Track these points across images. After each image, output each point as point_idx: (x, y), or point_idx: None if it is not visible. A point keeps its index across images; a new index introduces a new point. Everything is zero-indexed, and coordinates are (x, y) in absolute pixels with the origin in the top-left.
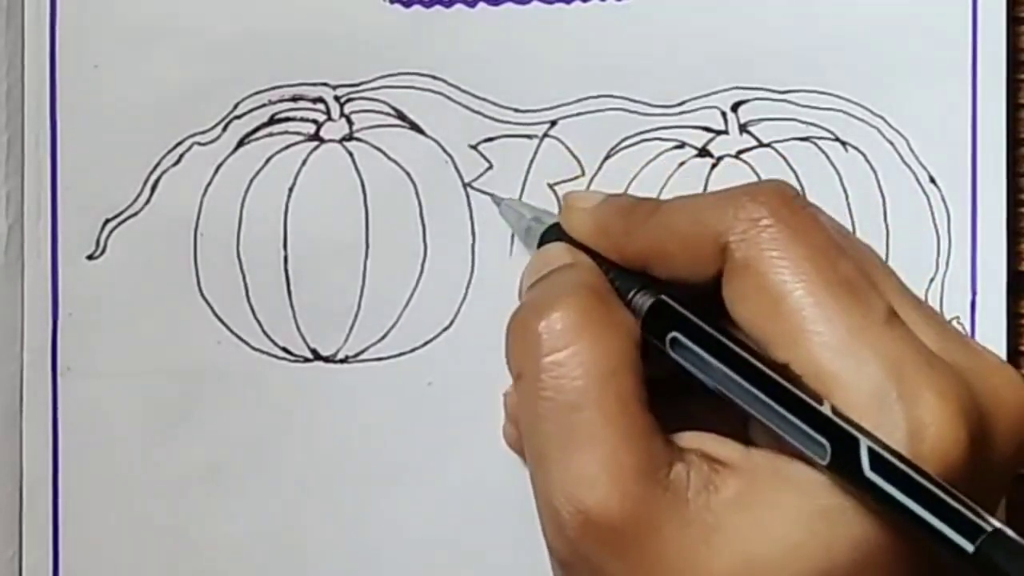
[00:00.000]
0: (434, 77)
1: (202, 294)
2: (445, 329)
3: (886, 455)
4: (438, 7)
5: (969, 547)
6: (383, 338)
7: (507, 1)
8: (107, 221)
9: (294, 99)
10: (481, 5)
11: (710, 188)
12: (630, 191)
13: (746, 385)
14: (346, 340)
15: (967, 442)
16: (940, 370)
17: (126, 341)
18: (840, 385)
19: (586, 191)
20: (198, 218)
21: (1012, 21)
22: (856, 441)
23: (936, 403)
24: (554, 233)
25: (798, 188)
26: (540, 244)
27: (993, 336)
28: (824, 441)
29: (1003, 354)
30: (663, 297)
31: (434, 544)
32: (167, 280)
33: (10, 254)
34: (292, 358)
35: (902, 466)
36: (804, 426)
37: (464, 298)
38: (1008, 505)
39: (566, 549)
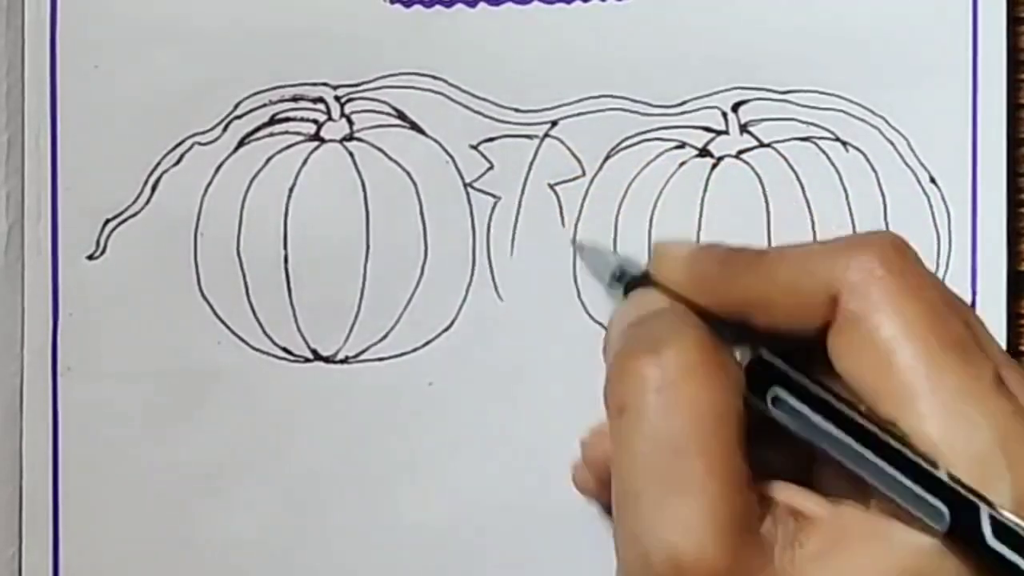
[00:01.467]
0: (434, 77)
1: (202, 294)
2: (445, 329)
3: (1010, 523)
4: (439, 7)
5: None
6: (383, 338)
7: (507, 1)
8: (107, 221)
9: (294, 99)
10: (481, 5)
11: (710, 188)
12: (630, 191)
13: (856, 446)
14: (346, 340)
15: None
16: None
17: (126, 341)
18: (948, 448)
19: (676, 241)
20: (198, 218)
21: (1012, 21)
22: (976, 508)
23: None
24: (640, 282)
25: (801, 192)
26: (626, 291)
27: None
28: (942, 506)
29: None
30: (763, 352)
31: (434, 544)
32: (167, 280)
33: (10, 254)
34: (292, 358)
35: None
36: (921, 491)
37: (464, 298)
38: None
39: None
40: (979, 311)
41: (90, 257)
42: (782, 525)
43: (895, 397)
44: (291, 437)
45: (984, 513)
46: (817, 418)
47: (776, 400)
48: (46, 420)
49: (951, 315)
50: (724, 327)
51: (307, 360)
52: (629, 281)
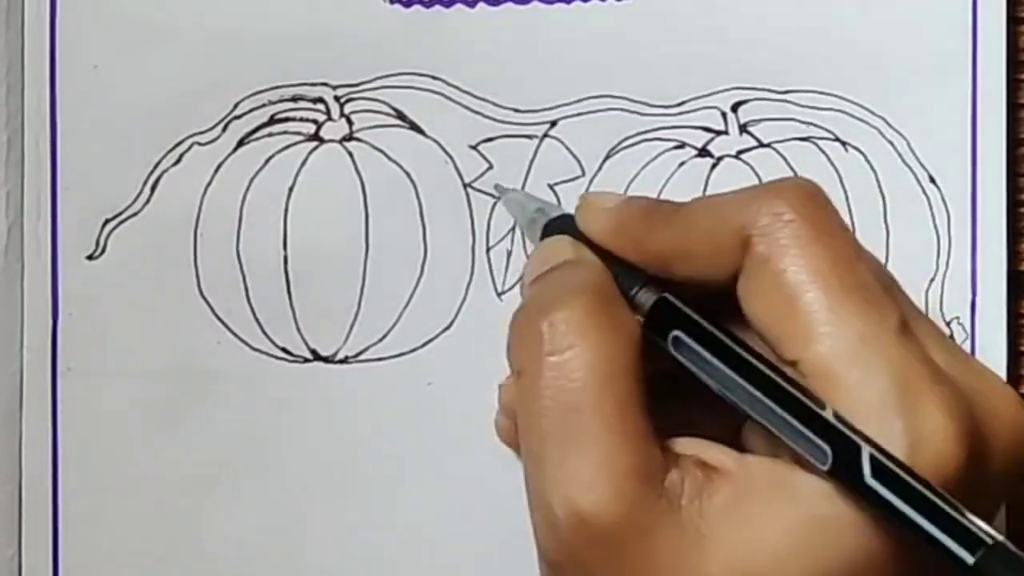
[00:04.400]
0: (434, 77)
1: (202, 294)
2: (445, 329)
3: (889, 463)
4: (438, 7)
5: (969, 559)
6: (383, 338)
7: (507, 1)
8: (107, 221)
9: (294, 99)
10: (481, 5)
11: (710, 188)
12: (630, 191)
13: (747, 386)
14: (346, 340)
15: (964, 460)
16: (945, 386)
17: (126, 341)
18: (845, 390)
19: (604, 192)
20: (198, 218)
21: (1012, 21)
22: (858, 448)
23: (939, 419)
24: (558, 226)
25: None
26: (543, 236)
27: (993, 336)
28: (825, 446)
29: (1003, 354)
30: (667, 295)
31: (434, 543)
32: (167, 280)
33: (10, 254)
34: (292, 358)
35: (904, 475)
36: (805, 430)
37: (464, 298)
38: (1008, 507)
39: (557, 549)
40: (979, 311)
41: (90, 257)
42: (689, 477)
43: (797, 339)
44: (291, 437)
45: (864, 452)
46: (712, 358)
47: (678, 342)
48: (46, 420)
49: (858, 260)
50: (638, 274)
51: (307, 360)
52: (546, 224)
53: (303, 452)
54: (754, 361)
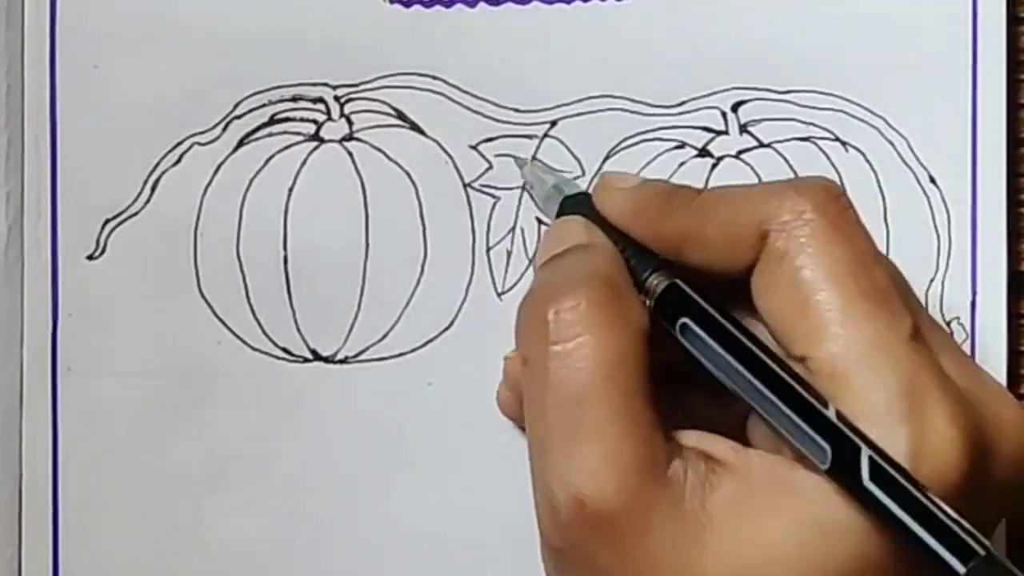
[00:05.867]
0: (434, 77)
1: (202, 294)
2: (445, 329)
3: (887, 467)
4: (438, 7)
5: (961, 569)
6: (383, 338)
7: (507, 1)
8: (107, 221)
9: (294, 99)
10: (481, 5)
11: (710, 188)
12: None
13: (752, 379)
14: (346, 340)
15: (967, 469)
16: (952, 396)
17: (126, 341)
18: (852, 391)
19: (622, 172)
20: (198, 218)
21: (1012, 21)
22: (858, 449)
23: (944, 427)
24: (574, 204)
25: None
26: (559, 214)
27: (993, 336)
28: (825, 445)
29: (1003, 354)
30: (677, 281)
31: (434, 543)
32: (167, 280)
33: (10, 254)
34: (292, 358)
35: (902, 480)
36: (806, 427)
37: (464, 298)
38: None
39: (559, 536)
40: (979, 311)
41: (90, 257)
42: (692, 468)
43: (808, 336)
44: (291, 437)
45: (864, 454)
46: (718, 348)
47: (685, 329)
48: (46, 420)
49: (876, 264)
50: (651, 258)
51: (307, 360)
52: (563, 201)
53: (303, 452)
54: (760, 354)
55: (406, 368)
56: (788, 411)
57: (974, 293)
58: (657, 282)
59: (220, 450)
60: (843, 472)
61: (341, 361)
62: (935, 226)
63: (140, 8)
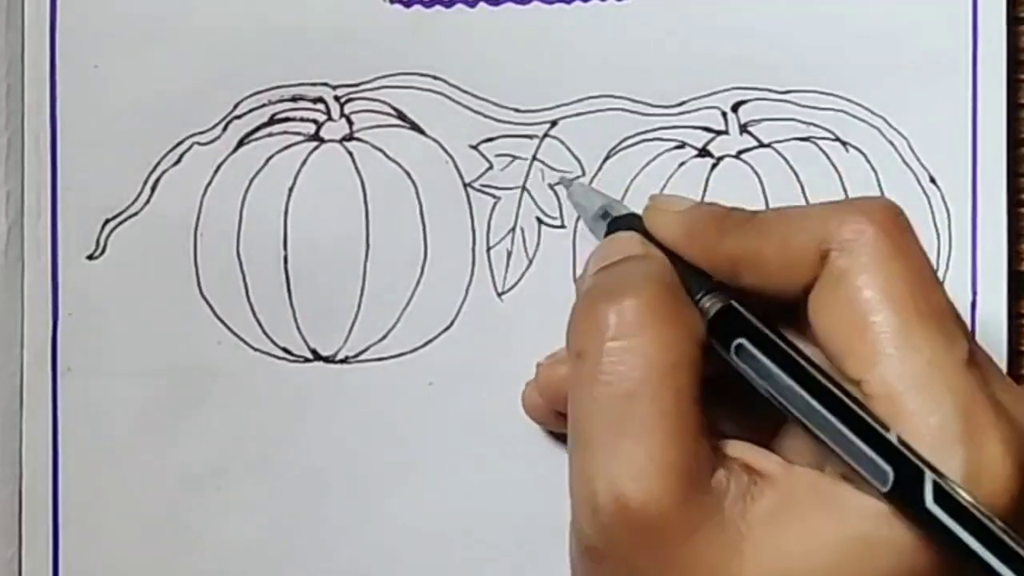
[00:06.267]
0: (434, 77)
1: (202, 294)
2: (445, 329)
3: (951, 490)
4: (438, 7)
5: None
6: (383, 338)
7: (507, 1)
8: (107, 221)
9: (294, 99)
10: (481, 5)
11: (710, 189)
12: (630, 191)
13: (812, 401)
14: (346, 340)
15: (1019, 493)
16: (1006, 420)
17: (126, 341)
18: (908, 414)
19: (673, 195)
20: (198, 218)
21: (1012, 21)
22: (921, 472)
23: (999, 452)
24: (625, 224)
25: (801, 192)
26: (608, 233)
27: (993, 336)
28: (888, 468)
29: (1003, 354)
30: (733, 303)
31: (435, 543)
32: (167, 280)
33: (10, 254)
34: (292, 358)
35: (966, 503)
36: (869, 451)
37: (464, 298)
38: None
39: (597, 534)
40: (979, 311)
41: (90, 257)
42: (735, 478)
43: (865, 357)
44: (291, 437)
45: (928, 479)
46: (776, 370)
47: (740, 350)
48: (46, 420)
49: (935, 286)
50: (704, 279)
51: (307, 360)
52: (612, 220)
53: (303, 452)
54: (819, 376)
55: (406, 368)
56: (849, 434)
57: (974, 293)
58: (711, 303)
59: (220, 450)
60: (905, 495)
61: (341, 361)
62: (935, 226)
63: (140, 8)
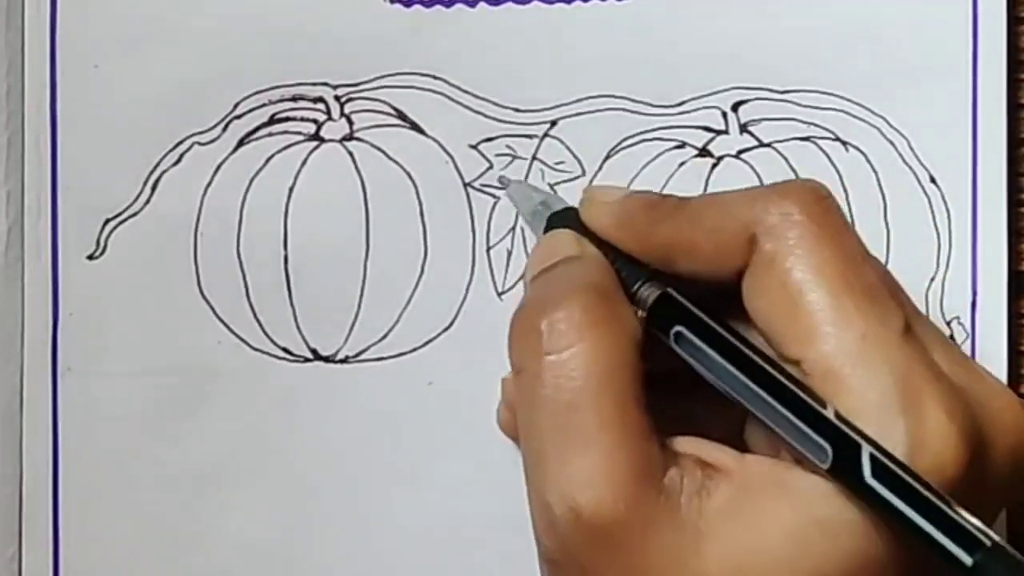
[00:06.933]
0: (434, 77)
1: (202, 294)
2: (445, 329)
3: (888, 463)
4: (438, 7)
5: (968, 560)
6: (383, 338)
7: (507, 1)
8: (107, 221)
9: (294, 99)
10: (481, 5)
11: (710, 188)
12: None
13: (749, 383)
14: (346, 340)
15: (965, 462)
16: (947, 389)
17: (126, 341)
18: (847, 390)
19: (608, 185)
20: (198, 218)
21: (1012, 21)
22: (858, 447)
23: (940, 421)
24: (562, 219)
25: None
26: (547, 229)
27: (993, 336)
28: (826, 444)
29: (1003, 354)
30: (669, 291)
31: (435, 544)
32: (167, 280)
33: (10, 254)
34: (292, 358)
35: (904, 475)
36: (806, 428)
37: (464, 298)
38: (1008, 510)
39: (556, 546)
40: (979, 311)
41: (90, 257)
42: (689, 476)
43: (801, 338)
44: (291, 437)
45: (864, 451)
46: (714, 354)
47: (680, 337)
48: (46, 420)
49: (864, 262)
50: (641, 269)
51: (307, 360)
52: (550, 216)
53: (303, 452)
54: (756, 358)
55: (406, 368)
56: (787, 413)
57: (974, 293)
58: (648, 292)
59: (220, 450)
60: (844, 470)
61: (341, 361)
62: (935, 226)
63: (140, 8)
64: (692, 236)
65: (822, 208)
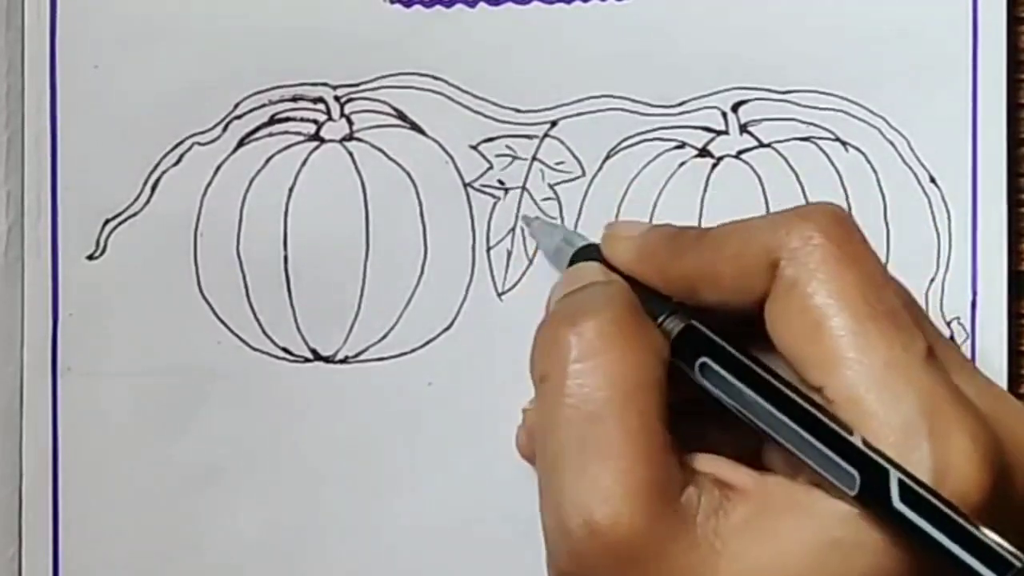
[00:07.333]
0: (434, 77)
1: (202, 294)
2: (445, 329)
3: (917, 488)
4: (438, 7)
5: None
6: (383, 338)
7: (507, 1)
8: (107, 221)
9: (294, 99)
10: (481, 5)
11: (710, 188)
12: (630, 191)
13: (776, 413)
14: (346, 340)
15: (989, 485)
16: (971, 413)
17: (126, 341)
18: (871, 416)
19: (629, 221)
20: (198, 218)
21: (1012, 21)
22: (886, 472)
23: (964, 445)
24: (585, 255)
25: (801, 192)
26: (570, 265)
27: (993, 336)
28: (854, 471)
29: (1003, 354)
30: (694, 323)
31: (434, 544)
32: (167, 280)
33: (10, 254)
34: (292, 358)
35: (933, 499)
36: (834, 456)
37: (464, 298)
38: None
39: (569, 558)
40: (979, 311)
41: (90, 257)
42: (706, 495)
43: (823, 363)
44: (291, 437)
45: (893, 477)
46: (740, 384)
47: (705, 368)
48: (46, 420)
49: (886, 286)
50: (665, 302)
51: (307, 360)
52: (575, 253)
53: (303, 452)
54: (782, 387)
55: (406, 368)
56: (814, 441)
57: (974, 293)
58: (673, 325)
59: (220, 450)
60: (873, 496)
61: (341, 361)
62: (935, 226)
63: (140, 8)
64: (714, 264)
65: (843, 231)
